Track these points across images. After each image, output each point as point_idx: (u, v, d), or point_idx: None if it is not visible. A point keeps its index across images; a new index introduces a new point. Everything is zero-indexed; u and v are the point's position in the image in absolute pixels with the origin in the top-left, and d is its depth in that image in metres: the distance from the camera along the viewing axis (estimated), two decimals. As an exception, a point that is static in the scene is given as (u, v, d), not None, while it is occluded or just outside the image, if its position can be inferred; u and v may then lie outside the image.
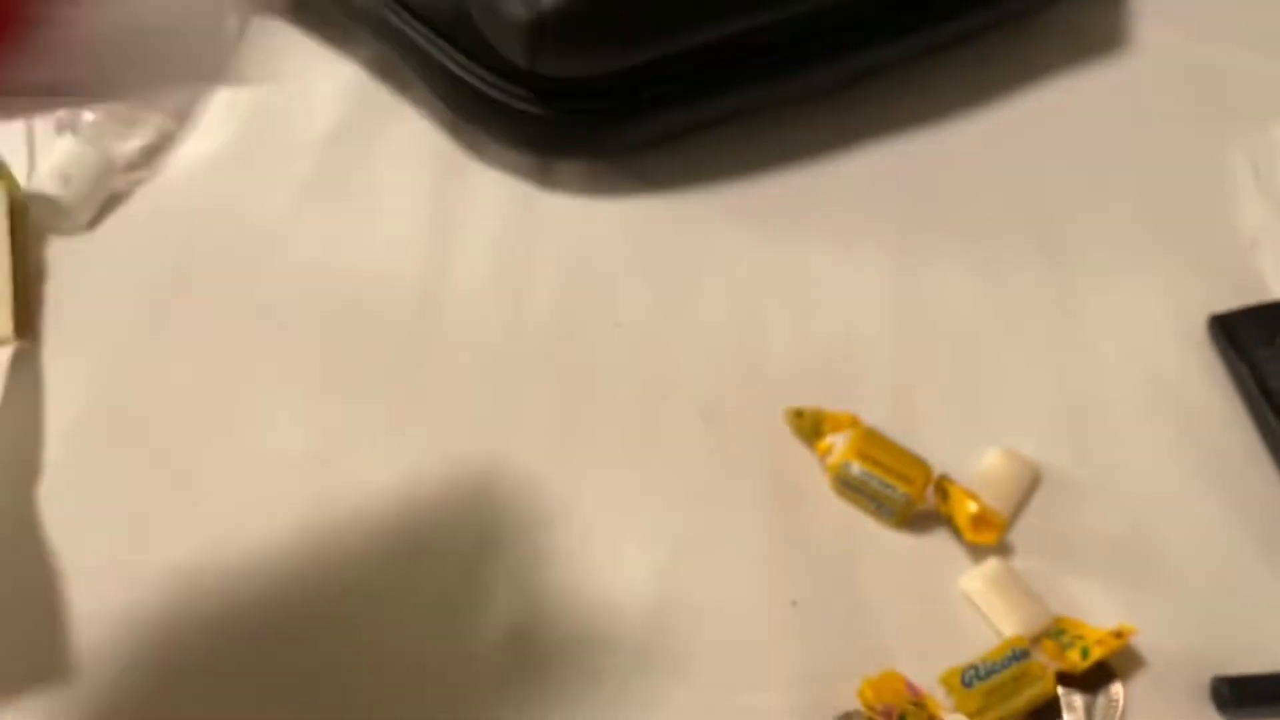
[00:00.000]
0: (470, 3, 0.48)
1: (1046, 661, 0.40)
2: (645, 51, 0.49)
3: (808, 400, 0.46)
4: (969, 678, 0.39)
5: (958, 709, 0.39)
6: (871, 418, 0.46)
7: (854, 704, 0.40)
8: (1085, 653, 0.40)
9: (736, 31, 0.49)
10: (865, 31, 0.52)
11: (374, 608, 0.42)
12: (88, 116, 0.50)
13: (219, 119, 0.54)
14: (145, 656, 0.41)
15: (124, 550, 0.43)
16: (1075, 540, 0.43)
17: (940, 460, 0.45)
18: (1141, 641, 0.41)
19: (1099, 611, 0.42)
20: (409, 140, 0.53)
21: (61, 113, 0.50)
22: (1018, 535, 0.44)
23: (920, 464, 0.44)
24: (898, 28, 0.52)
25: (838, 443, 0.44)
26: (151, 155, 0.52)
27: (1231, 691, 0.39)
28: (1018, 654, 0.40)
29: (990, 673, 0.40)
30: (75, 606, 0.41)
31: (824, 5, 0.50)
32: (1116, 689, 0.40)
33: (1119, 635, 0.40)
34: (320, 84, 0.55)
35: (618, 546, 0.43)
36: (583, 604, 0.42)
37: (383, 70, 0.55)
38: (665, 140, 0.53)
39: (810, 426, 0.45)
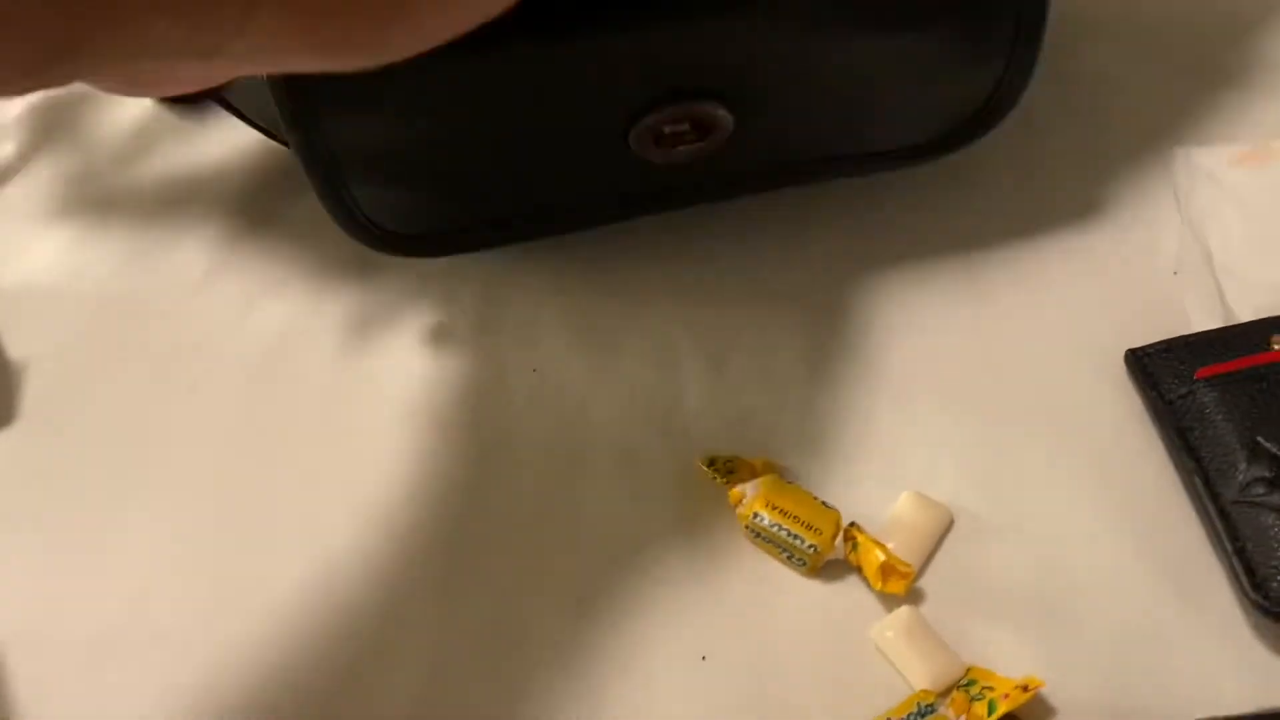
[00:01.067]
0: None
1: (953, 716, 0.39)
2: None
3: (725, 445, 0.46)
4: (873, 736, 0.39)
5: (861, 769, 0.38)
6: (786, 461, 0.45)
7: (758, 764, 0.39)
8: (992, 706, 0.39)
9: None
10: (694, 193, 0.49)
11: (290, 667, 0.42)
12: None
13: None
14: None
15: (37, 620, 0.42)
16: (987, 585, 0.43)
17: (853, 503, 0.44)
18: (1052, 691, 0.40)
19: (1011, 659, 0.41)
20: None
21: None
22: (930, 580, 0.43)
23: (829, 512, 0.43)
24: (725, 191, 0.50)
25: (748, 492, 0.44)
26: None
27: (1141, 744, 0.39)
28: (923, 710, 0.39)
29: (895, 730, 0.39)
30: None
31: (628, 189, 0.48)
32: (1026, 742, 0.40)
33: (1025, 689, 0.39)
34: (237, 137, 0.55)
35: (526, 603, 0.43)
36: (489, 665, 0.42)
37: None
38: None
39: (723, 473, 0.45)
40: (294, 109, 0.40)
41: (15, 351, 0.48)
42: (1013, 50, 0.44)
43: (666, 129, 0.44)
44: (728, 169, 0.47)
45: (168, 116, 0.56)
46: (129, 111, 0.56)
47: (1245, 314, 0.46)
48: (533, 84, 0.42)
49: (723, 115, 0.44)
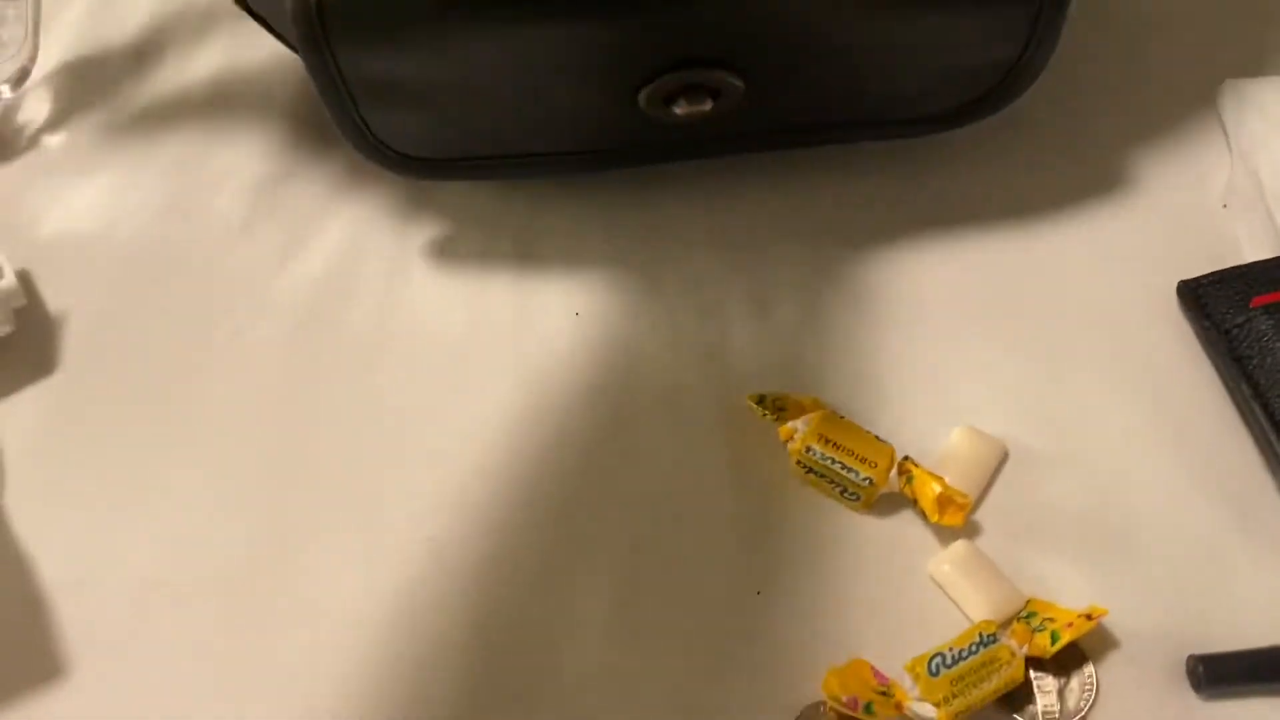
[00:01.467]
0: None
1: (1015, 646, 0.39)
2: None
3: (771, 386, 0.45)
4: (935, 665, 0.38)
5: (924, 697, 0.38)
6: (834, 400, 0.45)
7: (821, 694, 0.39)
8: (1055, 636, 0.39)
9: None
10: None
11: (328, 598, 0.41)
12: None
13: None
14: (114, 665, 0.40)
15: (85, 567, 0.42)
16: (1045, 518, 0.42)
17: (905, 441, 0.44)
18: (1114, 621, 0.40)
19: (1071, 590, 0.41)
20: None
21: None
22: (986, 514, 0.43)
23: (883, 446, 0.43)
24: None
25: (799, 427, 0.43)
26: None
27: (1207, 670, 0.38)
28: (985, 639, 0.39)
29: (957, 660, 0.38)
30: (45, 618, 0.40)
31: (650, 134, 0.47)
32: (1089, 671, 0.39)
33: (1089, 617, 0.39)
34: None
35: (580, 543, 0.42)
36: (546, 598, 0.41)
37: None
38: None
39: (772, 411, 0.44)
40: (307, 33, 0.40)
41: (55, 303, 0.48)
42: (1036, 21, 0.43)
43: (675, 94, 0.43)
44: (740, 129, 0.47)
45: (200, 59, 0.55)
46: (163, 71, 0.55)
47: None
48: (545, 40, 0.41)
49: (732, 83, 0.43)
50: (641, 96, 0.43)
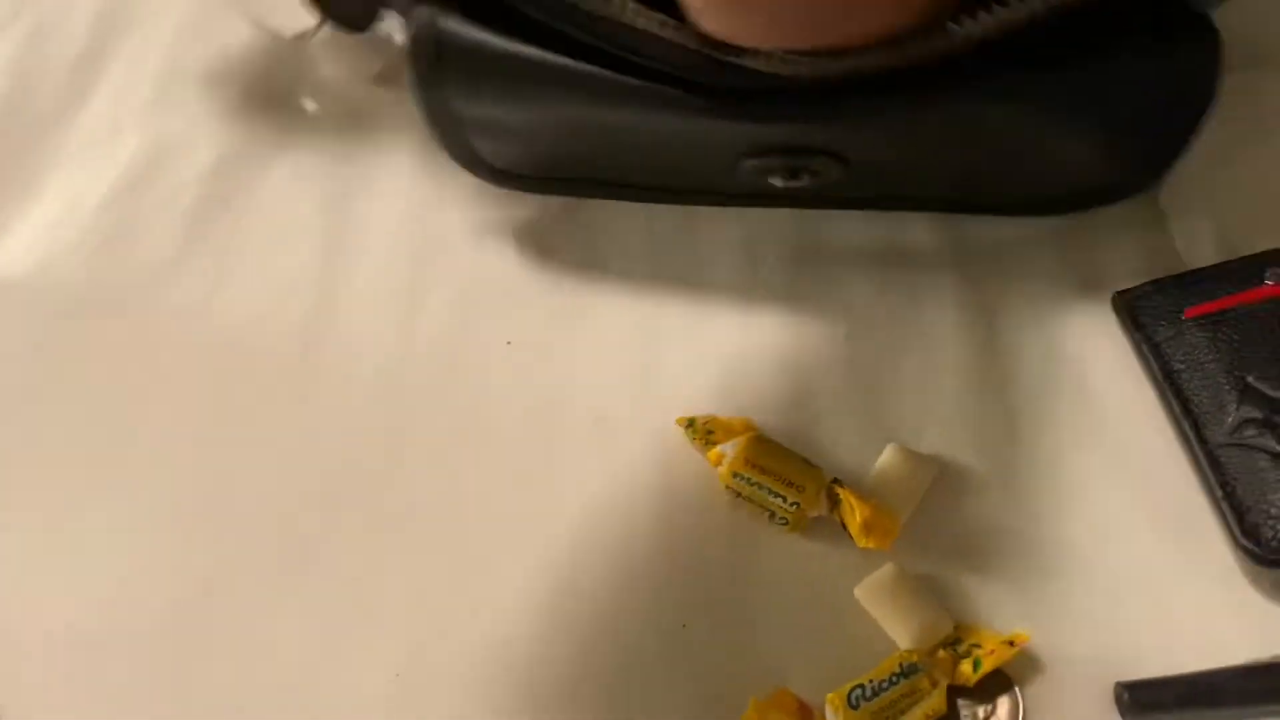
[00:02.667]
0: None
1: (937, 675, 0.38)
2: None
3: (704, 408, 0.45)
4: (855, 698, 0.38)
5: (844, 731, 0.37)
6: (766, 422, 0.44)
7: (741, 729, 0.39)
8: (977, 664, 0.38)
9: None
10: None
11: (258, 643, 0.41)
12: None
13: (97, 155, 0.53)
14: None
15: (5, 617, 0.42)
16: (976, 538, 0.42)
17: (840, 460, 0.43)
18: (1043, 646, 0.39)
19: (1001, 613, 0.40)
20: (294, 171, 0.52)
21: None
22: (917, 534, 0.42)
23: (811, 469, 0.42)
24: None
25: (727, 452, 0.43)
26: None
27: (1133, 698, 0.38)
28: (905, 669, 0.38)
29: (877, 691, 0.38)
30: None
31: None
32: (1015, 697, 0.39)
33: (1011, 644, 0.38)
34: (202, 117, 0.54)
35: (506, 575, 0.42)
36: (467, 637, 0.41)
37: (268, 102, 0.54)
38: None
39: (702, 435, 0.44)
40: (424, 75, 0.42)
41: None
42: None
43: (775, 170, 0.44)
44: (842, 195, 0.47)
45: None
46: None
47: (1238, 251, 0.44)
48: (649, 117, 0.42)
49: (833, 167, 0.43)
50: (741, 168, 0.44)
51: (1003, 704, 0.39)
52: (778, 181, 0.44)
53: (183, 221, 0.51)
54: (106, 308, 0.49)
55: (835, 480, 0.42)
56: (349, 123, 0.54)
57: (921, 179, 0.46)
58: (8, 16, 0.57)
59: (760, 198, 0.46)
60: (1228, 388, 0.41)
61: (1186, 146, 0.43)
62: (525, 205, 0.51)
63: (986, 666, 0.38)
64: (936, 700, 0.38)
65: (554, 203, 0.50)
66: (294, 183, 0.52)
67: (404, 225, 0.51)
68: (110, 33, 0.56)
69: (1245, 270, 0.43)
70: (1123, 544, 0.41)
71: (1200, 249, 0.45)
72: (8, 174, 0.53)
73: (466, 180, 0.49)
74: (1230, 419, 0.40)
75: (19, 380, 0.47)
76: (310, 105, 0.54)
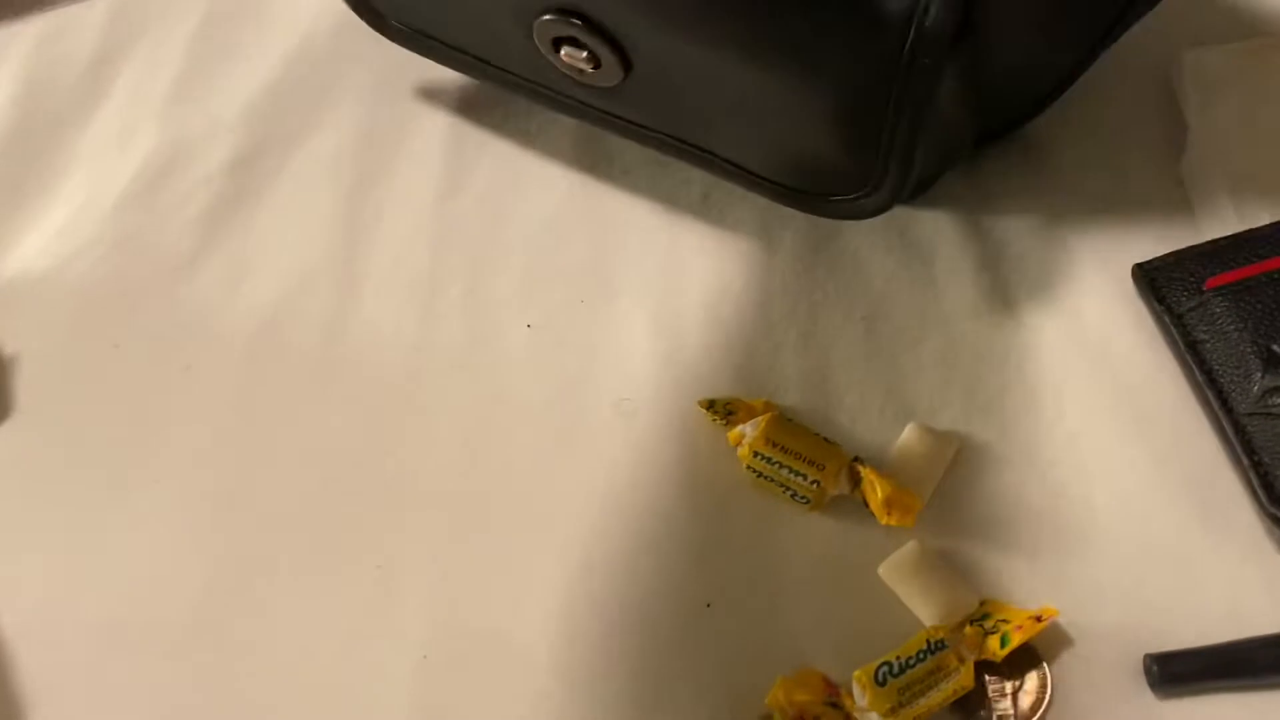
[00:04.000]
0: None
1: (965, 652, 0.38)
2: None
3: (724, 389, 0.45)
4: (882, 675, 0.38)
5: (870, 708, 0.37)
6: (786, 402, 0.44)
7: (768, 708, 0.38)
8: (1005, 640, 0.38)
9: None
10: None
11: (287, 631, 0.41)
12: None
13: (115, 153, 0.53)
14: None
15: (43, 611, 0.42)
16: (999, 514, 0.41)
17: (860, 440, 0.43)
18: (1070, 620, 0.39)
19: (1026, 588, 0.40)
20: (310, 165, 0.52)
21: None
22: (939, 512, 0.42)
23: (832, 448, 0.42)
24: None
25: (747, 432, 0.43)
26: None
27: (1162, 669, 0.37)
28: (933, 646, 0.38)
29: (904, 668, 0.38)
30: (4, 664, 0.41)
31: None
32: (1044, 672, 0.39)
33: (1039, 619, 0.38)
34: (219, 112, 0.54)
35: (530, 558, 0.42)
36: (493, 618, 0.41)
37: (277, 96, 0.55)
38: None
39: (722, 416, 0.44)
40: None
41: (9, 346, 0.48)
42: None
43: (561, 43, 0.43)
44: (626, 115, 0.46)
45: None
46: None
47: (1259, 219, 0.44)
48: None
49: (609, 57, 0.43)
50: (535, 30, 0.44)
51: (1031, 679, 0.39)
52: (565, 57, 0.43)
53: (200, 218, 0.51)
54: (127, 303, 0.49)
55: (856, 458, 0.42)
56: (363, 115, 0.54)
57: (689, 115, 0.45)
58: (23, 18, 0.57)
59: (563, 99, 0.47)
60: (1252, 356, 0.40)
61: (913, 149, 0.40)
62: (542, 190, 0.51)
63: (1014, 642, 0.38)
64: (964, 676, 0.38)
65: (571, 184, 0.50)
66: (310, 176, 0.52)
67: (421, 214, 0.51)
68: (125, 33, 0.57)
69: (1265, 239, 0.43)
70: (1148, 516, 0.41)
71: (1219, 219, 0.44)
72: (27, 174, 0.53)
73: (485, 168, 0.49)
74: (1256, 387, 0.40)
75: (43, 378, 0.47)
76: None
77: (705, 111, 0.44)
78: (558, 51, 0.44)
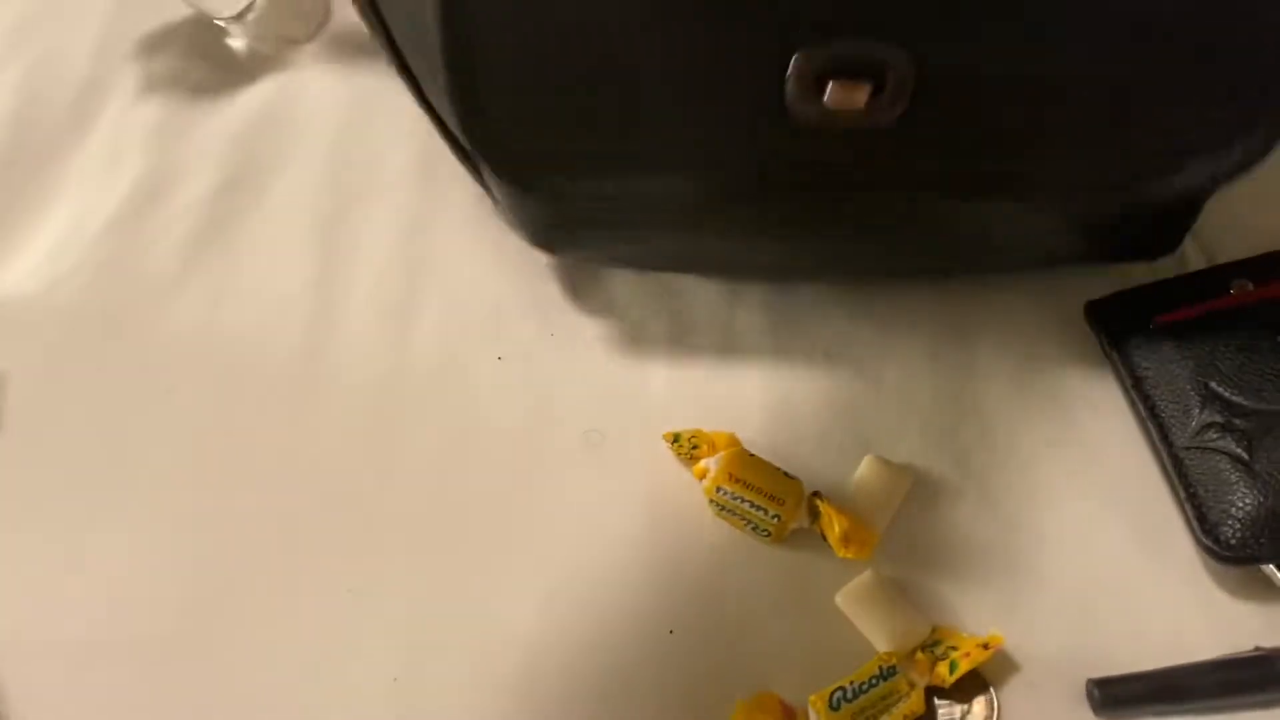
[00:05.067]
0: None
1: (915, 678, 0.40)
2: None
3: (690, 422, 0.46)
4: (836, 699, 0.39)
5: (825, 732, 0.39)
6: (748, 437, 0.46)
7: (727, 732, 0.40)
8: (953, 666, 0.40)
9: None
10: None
11: (260, 652, 0.43)
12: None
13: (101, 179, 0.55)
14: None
15: (22, 628, 0.44)
16: (952, 544, 0.43)
17: (820, 472, 0.45)
18: (1017, 645, 0.41)
19: (976, 616, 0.42)
20: (290, 193, 0.54)
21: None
22: (895, 543, 0.43)
23: (792, 483, 0.44)
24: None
25: (711, 466, 0.44)
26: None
27: (1104, 694, 0.39)
28: (885, 672, 0.40)
29: (858, 693, 0.39)
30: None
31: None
32: (991, 696, 0.40)
33: (985, 646, 0.40)
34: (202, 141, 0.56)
35: (499, 582, 0.44)
36: (463, 642, 0.42)
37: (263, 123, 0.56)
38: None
39: (687, 449, 0.45)
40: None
41: (-2, 365, 0.50)
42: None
43: (829, 78, 0.35)
44: (884, 160, 0.38)
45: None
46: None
47: (1215, 259, 0.46)
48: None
49: (901, 62, 0.35)
50: (790, 77, 0.36)
51: (978, 704, 0.40)
52: (829, 100, 0.36)
53: (184, 243, 0.53)
54: (111, 326, 0.51)
55: (815, 493, 0.44)
56: (343, 144, 0.55)
57: (1012, 146, 0.37)
58: (15, 44, 0.59)
59: (804, 179, 0.38)
60: (1192, 393, 0.42)
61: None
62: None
63: (963, 668, 0.39)
64: (914, 701, 0.39)
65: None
66: (290, 205, 0.53)
67: (397, 243, 0.52)
68: (113, 61, 0.58)
69: (1211, 280, 0.45)
70: (1093, 546, 0.42)
71: (1174, 258, 0.46)
72: (15, 197, 0.55)
73: (459, 199, 0.51)
74: (1194, 423, 0.41)
75: (27, 396, 0.49)
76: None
77: (1022, 130, 0.37)
78: (820, 94, 0.36)
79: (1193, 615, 0.41)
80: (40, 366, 0.50)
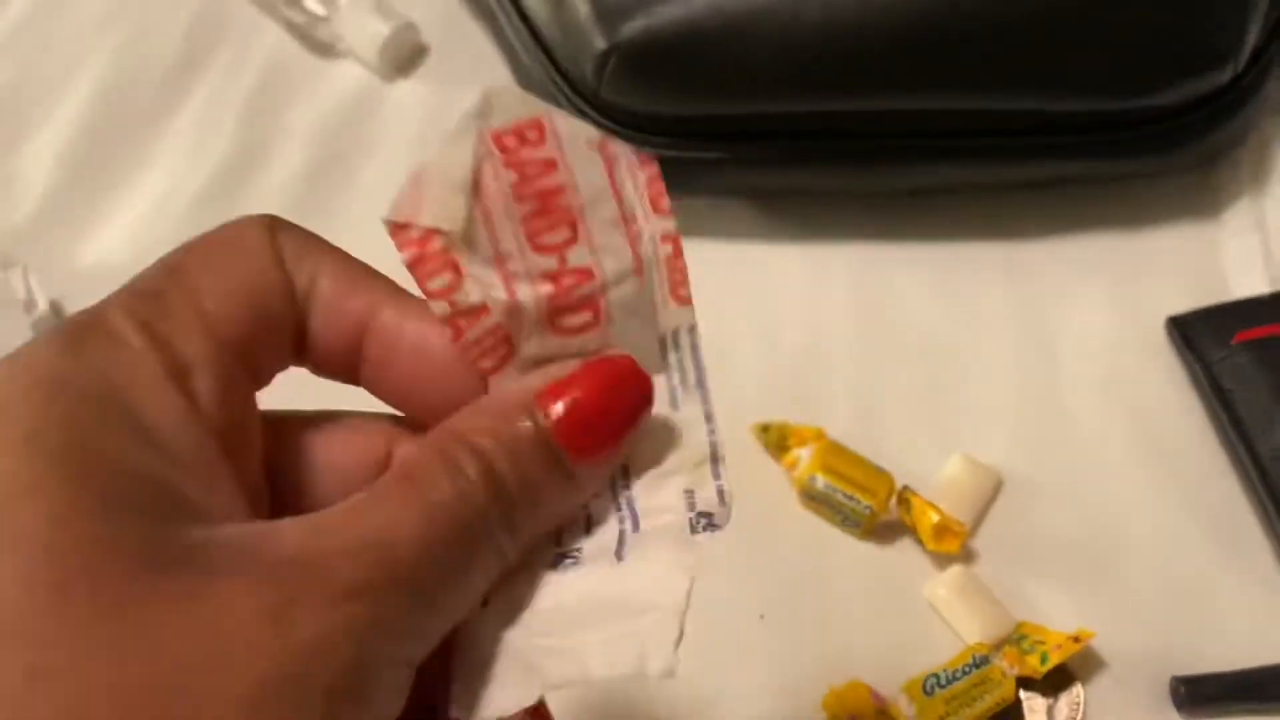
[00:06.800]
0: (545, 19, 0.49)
1: (1007, 668, 0.41)
2: (714, 107, 0.48)
3: (776, 414, 0.47)
4: (930, 686, 0.40)
5: (920, 716, 0.40)
6: (836, 430, 0.47)
7: (820, 715, 0.41)
8: (1044, 658, 0.41)
9: (830, 111, 0.48)
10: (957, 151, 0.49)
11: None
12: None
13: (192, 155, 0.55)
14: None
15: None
16: (1037, 544, 0.44)
17: (905, 469, 0.46)
18: (1102, 643, 0.42)
19: (1060, 615, 0.43)
20: (380, 175, 0.55)
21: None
22: (981, 541, 0.45)
23: (883, 475, 0.45)
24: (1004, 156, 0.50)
25: (803, 456, 0.45)
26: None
27: (1189, 691, 0.40)
28: (978, 661, 0.41)
29: (951, 680, 0.40)
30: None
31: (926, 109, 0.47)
32: (1077, 691, 0.41)
33: (1077, 640, 0.41)
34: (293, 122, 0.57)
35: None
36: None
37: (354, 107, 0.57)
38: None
39: (776, 440, 0.46)
40: None
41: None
42: None
43: None
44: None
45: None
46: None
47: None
48: None
49: None
50: None
51: (1065, 697, 0.41)
52: None
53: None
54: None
55: (905, 486, 0.45)
56: (430, 131, 0.56)
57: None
58: (112, 18, 0.59)
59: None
60: (1274, 404, 0.44)
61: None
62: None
63: (1054, 660, 0.40)
64: (1006, 690, 0.40)
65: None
66: (379, 188, 0.54)
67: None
68: (206, 39, 0.59)
69: (1288, 299, 0.46)
70: (1175, 551, 0.44)
71: (1249, 276, 0.48)
72: (106, 168, 0.55)
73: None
74: (1278, 432, 0.43)
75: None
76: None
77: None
78: None
79: (1273, 619, 0.42)
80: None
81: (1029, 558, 0.44)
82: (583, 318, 0.24)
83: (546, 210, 0.23)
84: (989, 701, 0.40)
